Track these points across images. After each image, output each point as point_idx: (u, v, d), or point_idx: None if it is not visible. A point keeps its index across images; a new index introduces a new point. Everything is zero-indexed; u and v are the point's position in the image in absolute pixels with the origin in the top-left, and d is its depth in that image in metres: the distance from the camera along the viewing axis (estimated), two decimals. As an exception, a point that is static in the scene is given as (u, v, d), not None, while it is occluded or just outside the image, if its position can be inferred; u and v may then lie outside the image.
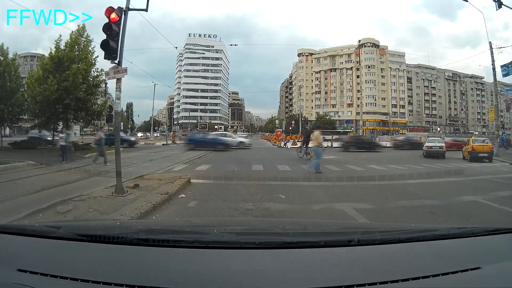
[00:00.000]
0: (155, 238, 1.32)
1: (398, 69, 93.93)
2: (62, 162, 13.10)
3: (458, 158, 20.49)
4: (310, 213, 5.69)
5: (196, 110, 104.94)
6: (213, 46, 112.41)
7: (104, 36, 6.43)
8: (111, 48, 6.46)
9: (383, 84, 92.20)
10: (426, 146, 21.46)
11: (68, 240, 1.30)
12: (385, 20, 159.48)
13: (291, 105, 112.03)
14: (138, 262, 1.18)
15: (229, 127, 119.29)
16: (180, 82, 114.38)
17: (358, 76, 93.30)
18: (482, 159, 18.49)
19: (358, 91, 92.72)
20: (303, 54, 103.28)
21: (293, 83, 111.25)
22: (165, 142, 34.86)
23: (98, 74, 18.45)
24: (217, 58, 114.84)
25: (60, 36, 18.12)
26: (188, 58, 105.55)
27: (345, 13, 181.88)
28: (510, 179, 11.10)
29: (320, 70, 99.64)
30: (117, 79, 6.73)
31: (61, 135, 14.85)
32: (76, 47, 17.96)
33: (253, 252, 1.22)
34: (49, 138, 21.30)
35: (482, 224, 3.83)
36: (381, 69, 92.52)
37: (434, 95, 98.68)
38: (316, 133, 12.16)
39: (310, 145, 14.44)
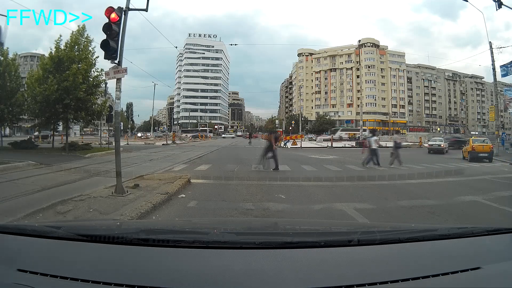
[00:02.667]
0: (155, 238, 1.31)
1: (398, 69, 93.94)
2: (366, 165, 13.41)
3: (458, 158, 20.51)
4: (310, 213, 5.69)
5: (196, 110, 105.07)
6: (213, 46, 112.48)
7: (104, 36, 6.43)
8: (111, 48, 6.45)
9: (383, 84, 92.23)
10: (428, 144, 26.49)
11: (68, 240, 1.30)
12: (386, 20, 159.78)
13: (291, 105, 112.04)
14: (138, 262, 1.17)
15: (229, 127, 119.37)
16: (180, 82, 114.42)
17: (358, 76, 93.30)
18: (482, 159, 18.49)
19: (358, 91, 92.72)
20: (303, 54, 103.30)
21: (293, 83, 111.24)
22: (165, 142, 34.87)
23: (98, 74, 18.48)
24: (217, 58, 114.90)
25: (60, 36, 18.12)
26: (188, 58, 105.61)
27: (346, 13, 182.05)
28: (510, 179, 11.10)
29: (320, 70, 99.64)
30: (117, 79, 6.72)
31: (373, 137, 14.15)
32: (76, 47, 17.94)
33: (253, 252, 1.22)
34: None
35: (482, 224, 3.83)
36: (381, 69, 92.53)
37: (434, 95, 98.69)
38: None
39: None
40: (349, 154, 22.73)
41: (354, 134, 52.35)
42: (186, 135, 56.37)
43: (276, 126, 68.38)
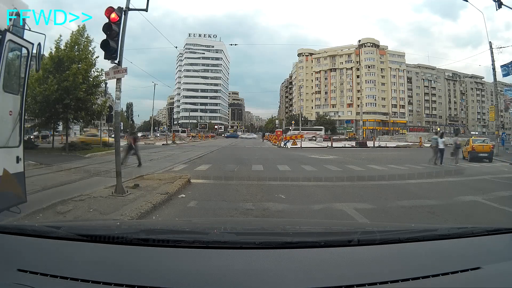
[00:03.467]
0: (155, 238, 1.31)
1: (398, 69, 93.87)
2: (440, 164, 14.68)
3: (458, 158, 20.49)
4: (310, 213, 5.69)
5: (196, 110, 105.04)
6: (213, 46, 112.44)
7: (104, 36, 6.43)
8: (111, 48, 6.45)
9: (383, 84, 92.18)
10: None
11: (68, 240, 1.30)
12: (386, 20, 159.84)
13: (291, 105, 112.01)
14: (138, 262, 1.17)
15: (229, 127, 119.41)
16: (180, 82, 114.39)
17: (358, 76, 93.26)
18: (482, 159, 18.48)
19: (358, 91, 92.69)
20: (303, 54, 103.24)
21: (293, 83, 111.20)
22: (165, 142, 34.86)
23: (98, 74, 18.48)
24: (217, 58, 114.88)
25: (60, 36, 18.11)
26: (188, 58, 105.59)
27: (346, 13, 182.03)
28: (510, 179, 11.08)
29: (320, 70, 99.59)
30: (117, 79, 6.73)
31: (441, 138, 15.34)
32: (76, 47, 17.93)
33: (253, 252, 1.22)
34: None
35: (482, 224, 3.83)
36: (381, 69, 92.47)
37: (434, 95, 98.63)
38: None
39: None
40: (348, 154, 22.73)
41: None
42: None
43: (276, 126, 68.43)
